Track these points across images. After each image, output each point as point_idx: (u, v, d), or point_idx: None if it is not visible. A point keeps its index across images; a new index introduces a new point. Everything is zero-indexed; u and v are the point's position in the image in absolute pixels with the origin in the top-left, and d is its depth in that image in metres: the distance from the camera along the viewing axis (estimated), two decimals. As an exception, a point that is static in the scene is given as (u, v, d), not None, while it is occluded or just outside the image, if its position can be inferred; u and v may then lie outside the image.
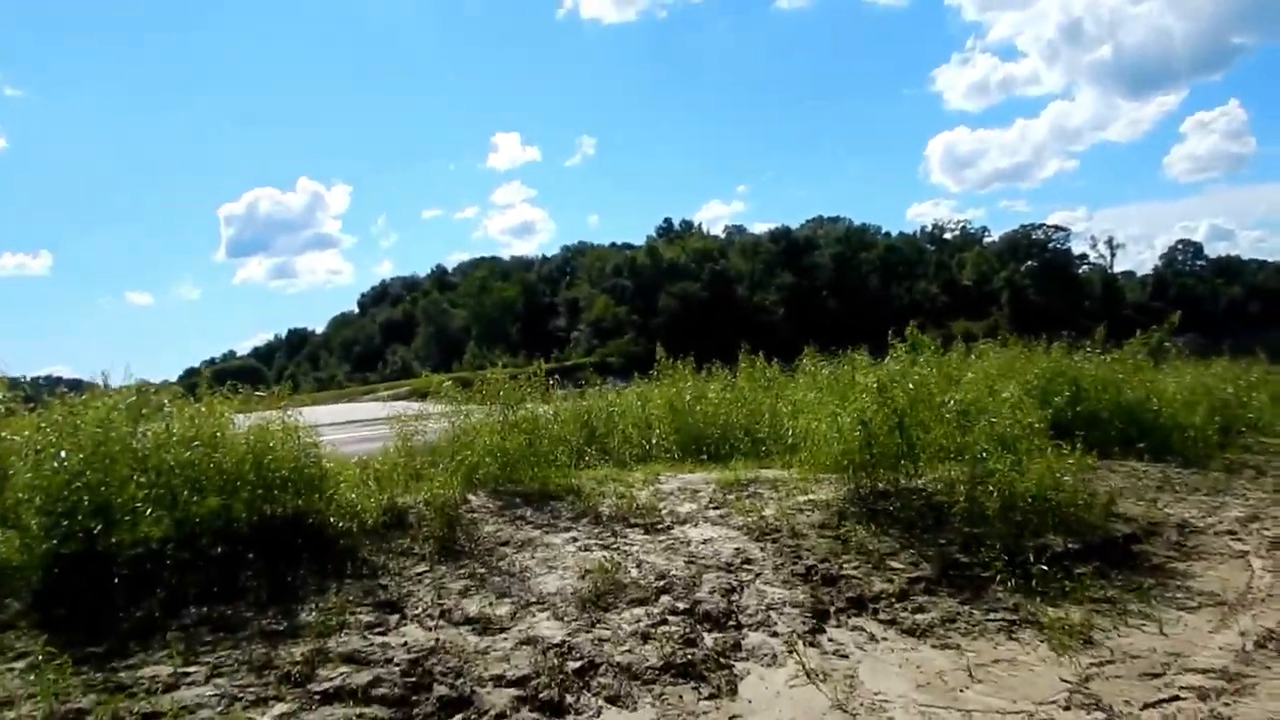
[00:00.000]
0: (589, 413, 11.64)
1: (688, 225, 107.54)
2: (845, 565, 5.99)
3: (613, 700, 4.19)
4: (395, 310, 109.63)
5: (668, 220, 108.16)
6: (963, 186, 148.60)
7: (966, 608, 5.42)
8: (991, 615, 5.31)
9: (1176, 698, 4.11)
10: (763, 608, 5.29)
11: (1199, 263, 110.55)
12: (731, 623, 5.05)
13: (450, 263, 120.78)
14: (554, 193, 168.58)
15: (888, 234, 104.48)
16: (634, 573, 5.64)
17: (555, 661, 4.44)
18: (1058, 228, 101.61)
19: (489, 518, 6.69)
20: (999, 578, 5.68)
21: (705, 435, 10.48)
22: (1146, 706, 4.04)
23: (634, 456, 10.36)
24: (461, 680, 4.19)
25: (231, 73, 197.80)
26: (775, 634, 4.98)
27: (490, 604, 5.08)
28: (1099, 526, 6.78)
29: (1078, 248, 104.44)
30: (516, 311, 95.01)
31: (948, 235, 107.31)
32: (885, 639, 5.02)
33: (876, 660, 4.77)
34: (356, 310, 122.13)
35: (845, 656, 4.80)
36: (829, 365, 10.03)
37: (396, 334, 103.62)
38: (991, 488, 6.58)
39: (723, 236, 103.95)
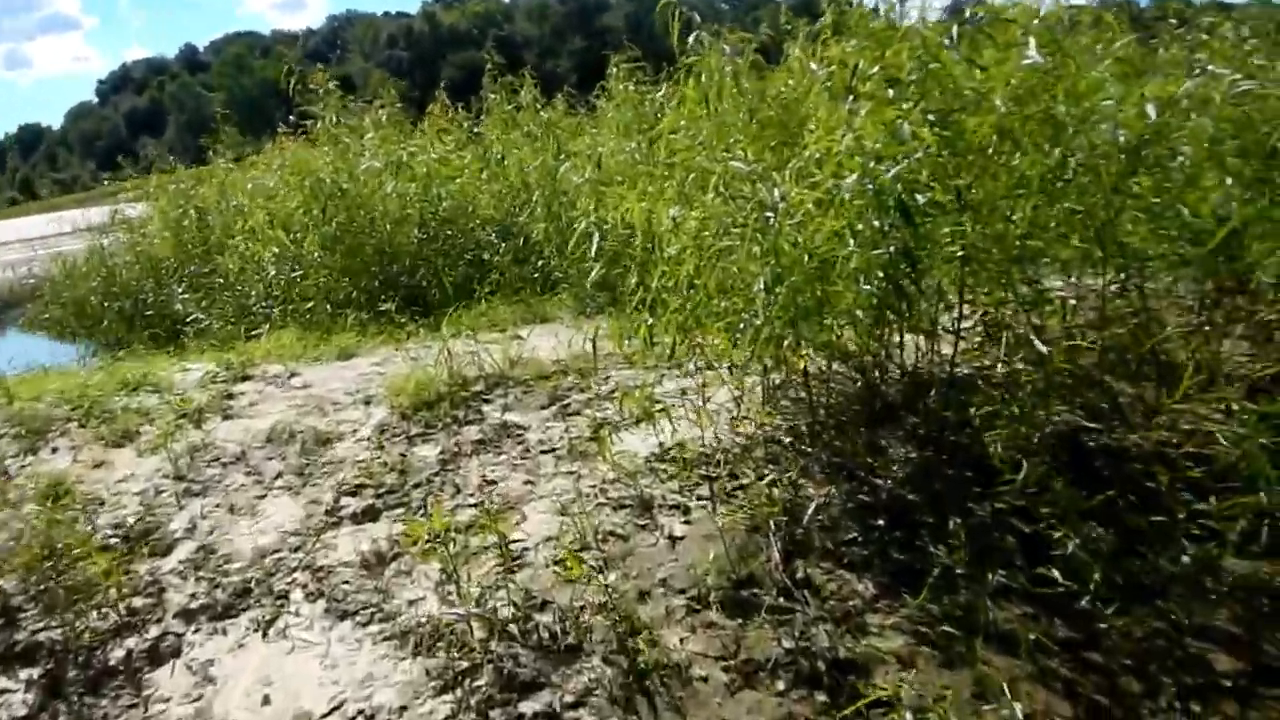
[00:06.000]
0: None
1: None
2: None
3: None
4: (141, 98, 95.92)
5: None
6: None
7: None
8: None
9: None
10: None
11: None
12: None
13: (205, 42, 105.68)
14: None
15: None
16: None
17: None
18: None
19: None
20: None
21: (401, 253, 6.38)
22: None
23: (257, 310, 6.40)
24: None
25: None
26: None
27: None
28: None
29: None
30: (281, 92, 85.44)
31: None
32: None
33: None
34: (96, 100, 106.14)
35: None
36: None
37: (144, 125, 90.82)
38: None
39: (506, 0, 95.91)
